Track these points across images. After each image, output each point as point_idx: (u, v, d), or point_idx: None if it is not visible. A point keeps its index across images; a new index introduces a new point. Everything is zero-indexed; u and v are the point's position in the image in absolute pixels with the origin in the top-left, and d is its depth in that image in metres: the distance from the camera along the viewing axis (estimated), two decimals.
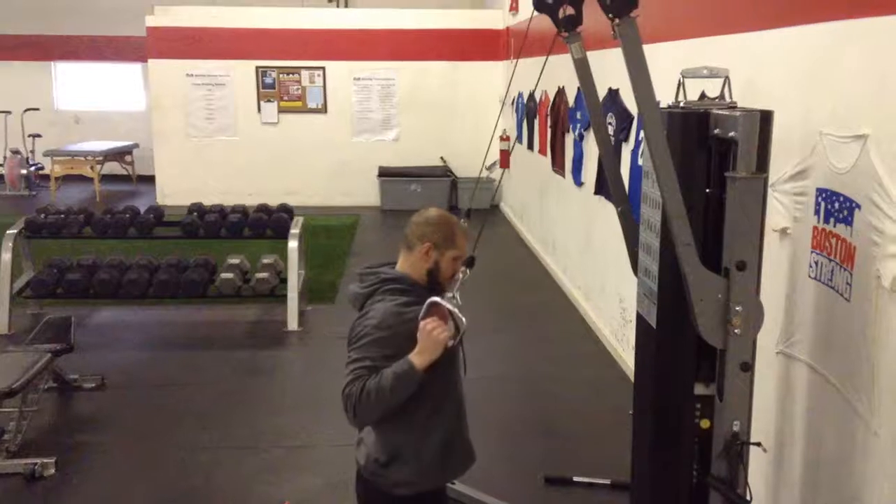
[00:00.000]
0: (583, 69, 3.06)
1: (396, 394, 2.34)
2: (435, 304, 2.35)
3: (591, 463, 4.19)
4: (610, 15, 2.32)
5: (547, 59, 3.06)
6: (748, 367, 2.54)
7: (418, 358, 2.33)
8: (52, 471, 4.09)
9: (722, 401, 2.60)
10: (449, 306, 2.36)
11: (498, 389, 5.17)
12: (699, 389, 2.71)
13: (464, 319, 2.38)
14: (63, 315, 5.31)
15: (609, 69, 4.58)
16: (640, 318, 2.99)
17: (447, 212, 2.63)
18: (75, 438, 4.55)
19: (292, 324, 6.37)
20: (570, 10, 2.88)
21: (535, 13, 2.92)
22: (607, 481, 3.98)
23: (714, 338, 2.53)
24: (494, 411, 4.81)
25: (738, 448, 2.58)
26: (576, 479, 4.03)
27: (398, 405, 2.38)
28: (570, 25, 2.90)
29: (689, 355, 2.71)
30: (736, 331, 2.49)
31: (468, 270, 2.52)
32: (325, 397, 5.04)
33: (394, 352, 2.36)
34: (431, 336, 2.32)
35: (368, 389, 2.32)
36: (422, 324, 2.33)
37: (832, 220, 2.75)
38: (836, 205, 2.72)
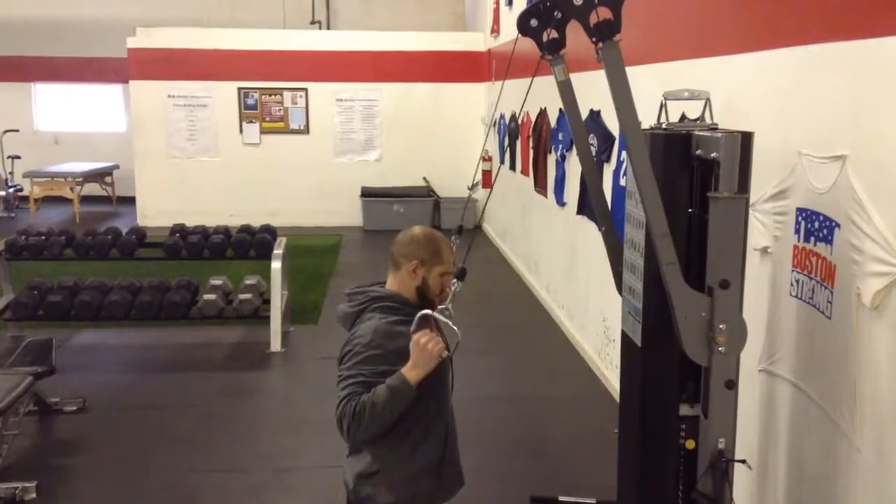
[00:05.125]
0: (566, 91, 3.11)
1: (390, 409, 2.33)
2: (425, 317, 2.35)
3: (577, 482, 4.20)
4: (594, 38, 2.36)
5: (533, 81, 3.11)
6: (732, 385, 2.57)
7: (412, 372, 2.33)
8: (34, 495, 4.03)
9: (707, 418, 2.62)
10: (441, 318, 2.36)
11: (482, 409, 5.17)
12: (684, 410, 2.73)
13: (457, 331, 2.36)
14: (44, 337, 5.26)
15: (590, 91, 4.63)
16: (624, 336, 3.02)
17: (431, 229, 2.64)
18: (57, 462, 4.50)
19: (275, 345, 6.34)
20: (553, 34, 2.92)
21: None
22: (593, 500, 3.98)
23: (698, 356, 2.56)
24: (479, 431, 4.81)
25: (723, 465, 2.60)
26: (561, 498, 4.02)
27: (391, 421, 2.37)
28: (553, 49, 2.95)
29: (674, 373, 2.73)
30: (720, 349, 2.52)
31: (458, 283, 2.52)
32: (309, 419, 5.04)
33: (387, 368, 2.36)
34: (425, 349, 2.31)
35: (362, 406, 2.32)
36: (414, 337, 2.32)
37: (812, 239, 2.80)
38: (816, 224, 2.77)
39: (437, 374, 2.42)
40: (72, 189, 12.46)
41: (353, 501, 2.56)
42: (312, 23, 13.54)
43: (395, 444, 2.47)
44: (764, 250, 3.15)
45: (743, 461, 2.73)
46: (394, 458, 2.49)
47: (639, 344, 2.84)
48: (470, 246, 2.80)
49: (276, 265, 6.44)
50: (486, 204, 9.27)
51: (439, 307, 2.42)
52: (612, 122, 5.30)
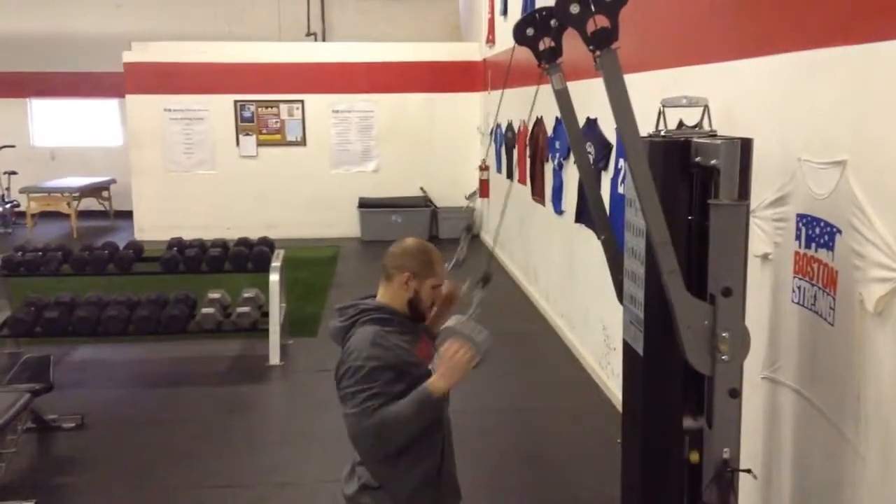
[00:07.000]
0: (563, 100, 3.09)
1: (417, 421, 2.35)
2: (451, 330, 2.32)
3: (580, 493, 4.17)
4: (591, 47, 2.35)
5: (537, 90, 3.09)
6: (736, 394, 2.55)
7: (440, 382, 2.32)
8: None
9: (711, 428, 2.60)
10: (464, 330, 2.32)
11: (483, 420, 5.14)
12: (688, 422, 2.71)
13: (486, 338, 2.34)
14: (41, 354, 5.23)
15: (586, 99, 4.64)
16: (626, 345, 2.99)
17: (424, 241, 2.64)
18: (55, 480, 4.46)
19: (274, 358, 6.31)
20: (550, 43, 2.91)
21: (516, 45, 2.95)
22: None
23: (702, 364, 2.53)
24: (480, 442, 4.78)
25: (728, 475, 2.57)
26: None
27: (415, 435, 2.37)
28: (550, 57, 2.94)
29: (676, 382, 2.71)
30: (723, 357, 2.50)
31: (482, 287, 2.50)
32: (310, 432, 5.01)
33: (392, 376, 2.35)
34: (454, 360, 2.30)
35: (384, 419, 2.31)
36: (442, 349, 2.31)
37: (813, 245, 2.78)
38: (817, 230, 2.75)
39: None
40: (69, 204, 12.43)
41: None
42: (308, 35, 13.55)
43: (395, 459, 2.44)
44: (765, 257, 3.13)
45: (748, 471, 2.70)
46: (394, 473, 2.47)
47: (641, 353, 2.81)
48: (492, 253, 2.74)
49: (274, 277, 6.42)
50: (483, 211, 9.25)
51: (461, 318, 2.38)
52: (609, 130, 5.28)
